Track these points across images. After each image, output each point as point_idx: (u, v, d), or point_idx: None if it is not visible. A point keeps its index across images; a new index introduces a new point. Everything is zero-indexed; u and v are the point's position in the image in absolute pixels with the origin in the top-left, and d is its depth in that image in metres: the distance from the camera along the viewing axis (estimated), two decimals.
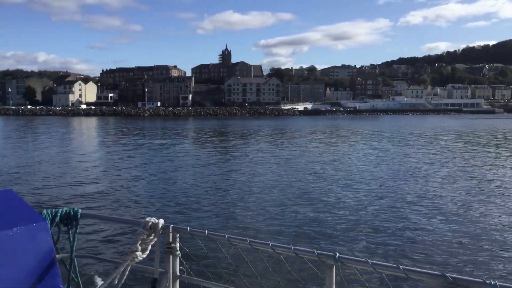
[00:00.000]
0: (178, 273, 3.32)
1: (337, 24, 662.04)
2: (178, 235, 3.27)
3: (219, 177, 26.62)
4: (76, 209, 3.60)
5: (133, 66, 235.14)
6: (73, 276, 3.65)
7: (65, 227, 3.57)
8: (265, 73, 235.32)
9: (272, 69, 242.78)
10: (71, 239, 3.54)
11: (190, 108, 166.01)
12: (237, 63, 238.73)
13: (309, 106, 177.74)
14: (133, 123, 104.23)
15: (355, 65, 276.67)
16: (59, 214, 3.47)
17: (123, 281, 3.19)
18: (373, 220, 16.26)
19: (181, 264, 3.38)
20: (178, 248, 3.27)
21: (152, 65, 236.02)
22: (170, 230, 3.23)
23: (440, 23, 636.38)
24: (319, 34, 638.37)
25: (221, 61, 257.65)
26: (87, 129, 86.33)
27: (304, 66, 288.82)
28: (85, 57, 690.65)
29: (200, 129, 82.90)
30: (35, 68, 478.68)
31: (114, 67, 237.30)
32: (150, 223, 3.20)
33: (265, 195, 21.00)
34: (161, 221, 3.24)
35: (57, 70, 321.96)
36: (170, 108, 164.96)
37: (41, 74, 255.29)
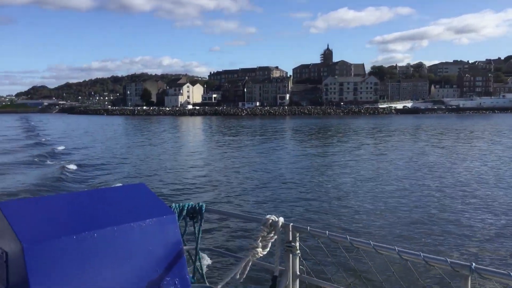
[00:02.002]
0: (298, 272, 3.30)
1: (461, 16, 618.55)
2: (298, 234, 3.26)
3: (331, 176, 26.18)
4: (201, 203, 3.81)
5: (252, 66, 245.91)
6: (197, 267, 3.85)
7: (190, 221, 3.79)
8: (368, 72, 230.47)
9: (373, 67, 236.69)
10: (196, 232, 3.75)
11: (286, 107, 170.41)
12: (336, 62, 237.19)
13: (409, 104, 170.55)
14: (232, 122, 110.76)
15: (467, 61, 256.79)
16: (186, 208, 3.72)
17: (244, 276, 3.24)
18: None
19: (301, 263, 3.32)
20: (298, 247, 3.25)
21: (260, 65, 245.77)
22: (290, 229, 3.23)
23: None
24: (440, 28, 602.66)
25: (322, 61, 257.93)
26: (195, 127, 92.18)
27: (425, 62, 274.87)
28: (205, 60, 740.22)
29: (296, 127, 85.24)
30: (159, 72, 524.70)
31: (230, 69, 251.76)
32: (270, 221, 3.22)
33: (383, 196, 19.99)
34: (281, 219, 3.24)
35: (178, 73, 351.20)
36: (267, 108, 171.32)
37: (163, 78, 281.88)
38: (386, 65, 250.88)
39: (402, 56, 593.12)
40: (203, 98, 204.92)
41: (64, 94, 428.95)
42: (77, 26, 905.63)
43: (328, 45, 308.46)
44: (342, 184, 23.58)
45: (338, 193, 21.05)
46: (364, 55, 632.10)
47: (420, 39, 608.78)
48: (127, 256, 2.83)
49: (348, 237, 2.87)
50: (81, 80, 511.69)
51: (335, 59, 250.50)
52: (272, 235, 3.22)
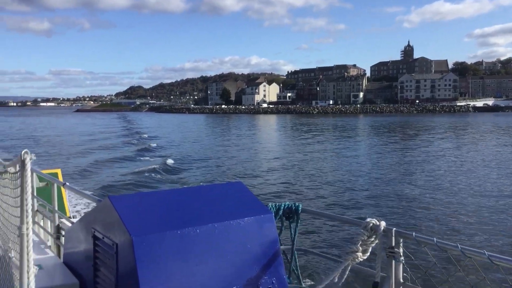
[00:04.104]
0: (401, 280, 3.06)
1: None
2: (401, 240, 3.03)
3: (423, 176, 25.07)
4: (297, 204, 3.85)
5: (331, 65, 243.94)
6: (293, 267, 3.87)
7: (286, 221, 3.86)
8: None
9: (456, 64, 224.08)
10: (292, 232, 3.81)
11: (358, 105, 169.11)
12: (416, 59, 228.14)
13: (489, 102, 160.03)
14: (305, 120, 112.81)
15: None
16: (282, 208, 3.80)
17: (343, 280, 3.12)
18: None
19: (404, 270, 3.07)
20: (401, 253, 3.01)
21: (338, 63, 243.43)
22: (393, 234, 3.02)
23: None
24: None
25: (402, 57, 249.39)
26: (271, 125, 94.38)
27: None
28: (292, 58, 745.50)
29: (368, 125, 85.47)
30: (246, 71, 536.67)
31: (327, 65, 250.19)
32: (371, 225, 3.06)
33: (490, 200, 18.60)
34: (383, 223, 3.06)
35: (264, 72, 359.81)
36: (338, 106, 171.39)
37: (249, 77, 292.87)
38: (487, 60, 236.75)
39: (504, 49, 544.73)
40: (278, 96, 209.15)
41: (153, 94, 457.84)
42: (172, 28, 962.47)
43: (409, 41, 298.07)
44: (441, 185, 22.31)
45: (438, 195, 19.83)
46: (461, 50, 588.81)
47: None
48: (226, 253, 2.90)
49: (459, 245, 2.65)
50: (173, 80, 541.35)
51: (421, 55, 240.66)
52: (373, 239, 3.07)
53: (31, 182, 2.65)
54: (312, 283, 9.52)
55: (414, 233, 2.90)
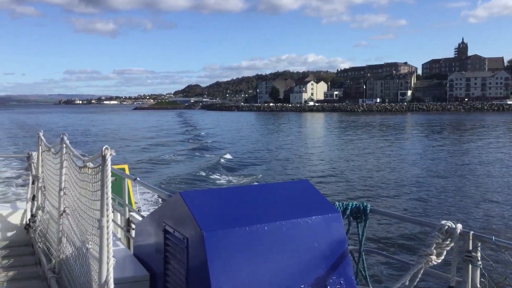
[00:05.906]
0: (478, 285, 2.87)
1: None
2: (479, 244, 2.83)
3: (497, 177, 23.87)
4: (365, 203, 3.69)
5: (382, 63, 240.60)
6: (361, 269, 3.71)
7: (354, 220, 3.70)
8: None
9: (510, 61, 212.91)
10: (360, 232, 3.65)
11: (404, 103, 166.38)
12: (469, 57, 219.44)
13: None
14: (347, 117, 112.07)
15: None
16: (349, 207, 3.66)
17: (415, 283, 3.00)
18: None
19: (482, 276, 2.86)
20: (479, 258, 2.82)
21: (388, 61, 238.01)
22: (470, 237, 2.83)
23: None
24: None
25: (456, 55, 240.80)
26: (320, 123, 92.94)
27: None
28: (350, 55, 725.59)
29: (421, 123, 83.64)
30: (303, 69, 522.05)
31: (377, 63, 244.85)
32: (446, 227, 2.90)
33: None
34: (459, 226, 2.89)
35: (320, 70, 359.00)
36: (384, 104, 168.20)
37: (303, 74, 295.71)
38: None
39: None
40: (325, 95, 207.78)
41: (209, 92, 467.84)
42: (230, 27, 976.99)
43: (463, 39, 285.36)
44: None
45: (508, 195, 18.79)
46: None
47: None
48: (293, 251, 2.87)
49: None
50: (229, 79, 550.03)
51: (479, 51, 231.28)
52: (448, 242, 2.92)
53: None
54: (381, 285, 9.15)
55: (493, 237, 2.76)
